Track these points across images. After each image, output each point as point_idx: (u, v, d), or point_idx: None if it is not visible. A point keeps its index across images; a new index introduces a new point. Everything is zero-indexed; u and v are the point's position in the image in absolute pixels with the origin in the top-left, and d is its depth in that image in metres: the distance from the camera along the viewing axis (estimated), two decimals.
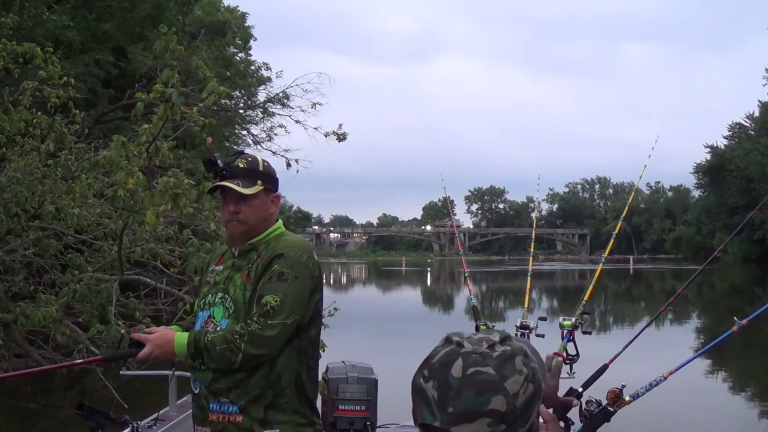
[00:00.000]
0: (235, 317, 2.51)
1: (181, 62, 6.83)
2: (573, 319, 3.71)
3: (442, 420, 1.09)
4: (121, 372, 4.99)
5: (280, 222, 2.70)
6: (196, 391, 2.58)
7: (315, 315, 2.61)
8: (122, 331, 4.70)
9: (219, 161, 2.61)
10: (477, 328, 3.82)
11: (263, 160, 2.68)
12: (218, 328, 2.52)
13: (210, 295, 2.63)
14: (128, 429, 3.89)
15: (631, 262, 70.68)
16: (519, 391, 1.11)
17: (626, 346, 3.78)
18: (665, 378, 3.46)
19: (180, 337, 2.52)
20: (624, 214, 5.30)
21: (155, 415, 4.64)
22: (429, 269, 72.38)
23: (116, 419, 3.85)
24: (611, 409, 3.30)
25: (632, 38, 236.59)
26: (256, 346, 2.40)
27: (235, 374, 2.47)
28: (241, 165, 2.59)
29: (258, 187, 2.58)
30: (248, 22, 28.65)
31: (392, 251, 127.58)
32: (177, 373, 4.62)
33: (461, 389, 1.09)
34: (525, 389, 1.12)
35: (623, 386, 3.31)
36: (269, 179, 2.64)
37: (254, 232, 2.61)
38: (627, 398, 3.33)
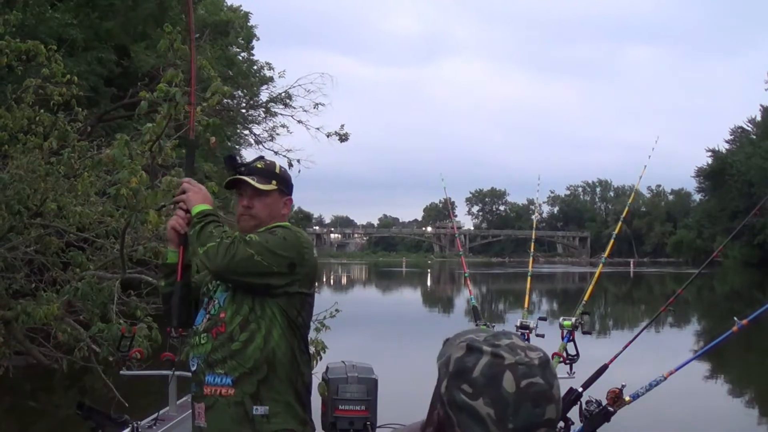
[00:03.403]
0: (233, 291, 2.60)
1: (185, 61, 6.84)
2: (573, 320, 3.73)
3: None
4: (122, 372, 5.00)
5: (286, 222, 2.80)
6: (194, 368, 2.64)
7: (305, 300, 2.67)
8: (122, 332, 4.72)
9: (238, 158, 2.79)
10: None
11: (280, 165, 2.83)
12: (218, 305, 2.62)
13: (212, 283, 2.72)
14: (128, 429, 3.90)
15: (632, 265, 70.62)
16: (560, 395, 1.13)
17: (626, 347, 3.80)
18: (665, 378, 3.47)
19: (212, 209, 2.69)
20: (624, 215, 5.32)
21: (155, 415, 4.64)
22: (429, 270, 72.36)
23: (116, 419, 3.86)
24: (611, 409, 3.32)
25: (637, 41, 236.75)
26: (227, 247, 2.48)
27: (231, 344, 2.53)
28: (259, 165, 2.75)
29: (272, 186, 2.71)
30: (252, 22, 28.68)
31: (393, 252, 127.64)
32: (177, 373, 4.63)
33: (519, 404, 1.07)
34: (560, 391, 1.13)
35: (623, 386, 3.32)
36: (284, 182, 2.78)
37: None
38: (627, 398, 3.34)
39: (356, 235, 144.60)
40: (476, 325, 3.90)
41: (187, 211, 2.71)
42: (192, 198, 2.70)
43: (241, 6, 27.88)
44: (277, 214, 2.75)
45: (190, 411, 4.69)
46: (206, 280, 2.77)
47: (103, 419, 3.83)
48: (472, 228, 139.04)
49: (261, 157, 2.83)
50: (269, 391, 2.53)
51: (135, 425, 3.96)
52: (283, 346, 2.57)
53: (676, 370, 3.50)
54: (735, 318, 3.40)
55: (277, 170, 2.78)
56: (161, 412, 4.70)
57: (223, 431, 2.52)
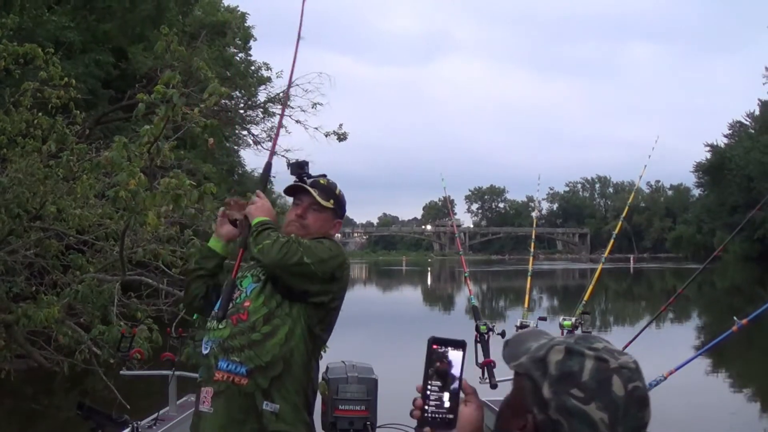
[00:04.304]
0: (263, 284, 2.63)
1: (182, 62, 6.84)
2: (573, 319, 3.73)
3: None
4: (122, 372, 5.01)
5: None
6: (206, 351, 2.63)
7: (329, 314, 2.72)
8: (122, 332, 4.73)
9: (307, 168, 2.87)
10: (477, 328, 3.85)
11: (339, 189, 2.89)
12: (243, 295, 2.65)
13: (240, 271, 2.73)
14: (128, 429, 3.91)
15: (632, 261, 70.62)
16: None
17: (626, 346, 3.80)
18: (665, 378, 3.47)
19: (272, 221, 2.72)
20: (624, 215, 5.32)
21: (155, 415, 4.65)
22: (429, 269, 72.37)
23: (116, 419, 3.87)
24: None
25: (637, 39, 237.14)
26: (283, 246, 2.54)
27: (251, 333, 2.55)
28: (322, 181, 2.84)
29: (330, 204, 2.80)
30: (249, 22, 28.65)
31: (393, 251, 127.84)
32: (177, 373, 4.64)
33: (627, 408, 1.09)
34: None
35: None
36: (339, 205, 2.87)
37: None
38: None
39: (356, 234, 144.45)
40: (476, 324, 3.91)
41: (243, 213, 2.77)
42: (255, 211, 2.73)
43: (238, 6, 27.89)
44: (325, 233, 2.81)
45: (190, 411, 4.69)
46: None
47: (103, 419, 3.84)
48: (472, 225, 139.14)
49: (324, 175, 2.90)
50: (280, 390, 2.54)
51: (135, 425, 3.98)
52: (302, 348, 2.60)
53: (676, 370, 3.51)
54: (735, 318, 3.41)
55: (337, 191, 2.86)
56: (161, 412, 4.70)
57: (230, 419, 2.52)
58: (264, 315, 2.57)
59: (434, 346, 1.29)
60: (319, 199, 2.76)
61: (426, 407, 1.28)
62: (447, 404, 1.28)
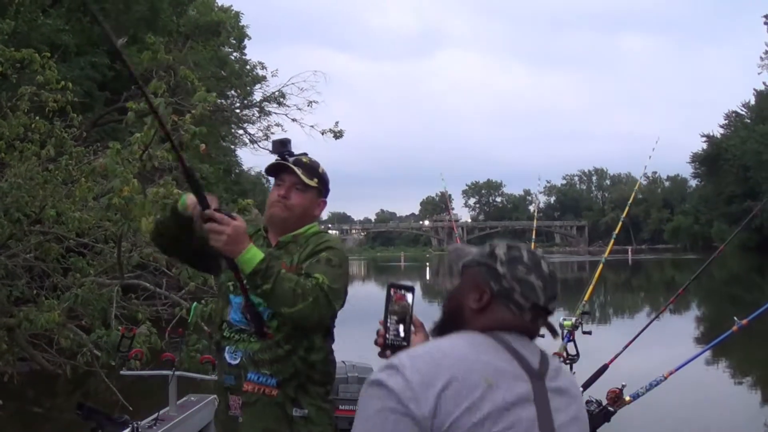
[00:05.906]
0: None
1: (176, 63, 6.84)
2: (573, 319, 3.73)
3: (543, 300, 1.53)
4: (122, 372, 5.01)
5: (316, 223, 2.79)
6: (235, 362, 2.59)
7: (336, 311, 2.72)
8: (122, 332, 4.75)
9: (290, 146, 2.74)
10: None
11: (322, 167, 2.78)
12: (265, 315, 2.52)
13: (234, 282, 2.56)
14: (128, 429, 3.92)
15: (629, 253, 70.51)
16: None
17: (626, 347, 3.81)
18: (665, 378, 3.48)
19: (256, 250, 2.36)
20: (624, 214, 5.32)
21: (155, 415, 4.65)
22: (428, 264, 72.33)
23: (116, 419, 3.88)
24: (611, 409, 3.33)
25: (632, 30, 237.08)
26: (319, 305, 2.42)
27: (277, 349, 2.53)
28: (305, 160, 2.72)
29: (314, 183, 2.70)
30: (243, 21, 28.61)
31: (391, 247, 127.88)
32: (177, 373, 4.65)
33: (550, 280, 1.55)
34: None
35: (623, 386, 3.34)
36: (323, 183, 2.77)
37: (293, 224, 2.68)
38: (627, 398, 3.36)
39: (354, 231, 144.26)
40: None
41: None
42: (229, 245, 2.29)
43: (231, 6, 27.83)
44: (310, 213, 2.73)
45: (190, 411, 4.70)
46: (229, 274, 2.54)
47: (103, 419, 3.85)
48: (470, 220, 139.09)
49: (305, 153, 2.78)
50: (306, 396, 2.58)
51: (135, 425, 3.98)
52: (322, 354, 2.62)
53: (676, 370, 3.52)
54: (735, 318, 3.43)
55: (320, 170, 2.75)
56: (161, 412, 4.70)
57: (265, 429, 2.54)
58: (284, 334, 2.55)
59: (392, 290, 1.70)
60: (303, 177, 2.65)
61: (387, 336, 1.68)
62: (402, 334, 1.69)
